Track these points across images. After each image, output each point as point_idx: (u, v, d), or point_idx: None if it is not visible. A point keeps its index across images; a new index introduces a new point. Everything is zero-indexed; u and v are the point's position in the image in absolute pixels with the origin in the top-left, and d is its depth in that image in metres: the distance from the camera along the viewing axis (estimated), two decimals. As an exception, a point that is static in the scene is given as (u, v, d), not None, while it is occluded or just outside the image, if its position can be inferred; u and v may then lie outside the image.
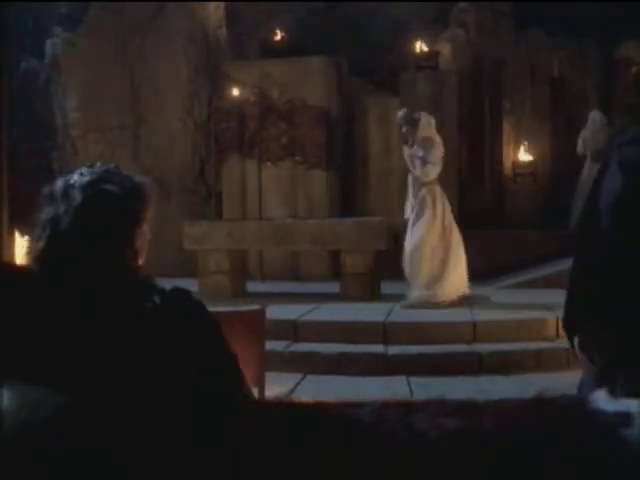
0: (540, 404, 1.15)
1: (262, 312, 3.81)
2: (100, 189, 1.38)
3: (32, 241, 1.40)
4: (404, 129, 6.08)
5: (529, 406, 1.17)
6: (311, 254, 7.50)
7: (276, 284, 6.82)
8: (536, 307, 5.34)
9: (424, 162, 5.92)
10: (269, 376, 3.97)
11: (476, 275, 7.50)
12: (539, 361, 4.76)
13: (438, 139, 6.05)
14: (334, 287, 6.54)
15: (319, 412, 1.25)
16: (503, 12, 9.34)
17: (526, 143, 9.17)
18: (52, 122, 7.71)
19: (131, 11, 7.77)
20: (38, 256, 1.36)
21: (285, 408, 1.31)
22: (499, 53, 9.19)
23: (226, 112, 7.79)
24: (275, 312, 4.84)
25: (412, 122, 6.00)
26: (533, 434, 1.10)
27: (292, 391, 4.13)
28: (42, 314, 1.35)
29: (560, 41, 8.84)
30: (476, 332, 5.08)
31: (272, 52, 8.88)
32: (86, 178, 1.39)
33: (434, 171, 5.95)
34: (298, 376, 4.47)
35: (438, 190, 5.98)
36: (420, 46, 9.14)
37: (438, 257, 5.89)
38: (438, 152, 5.97)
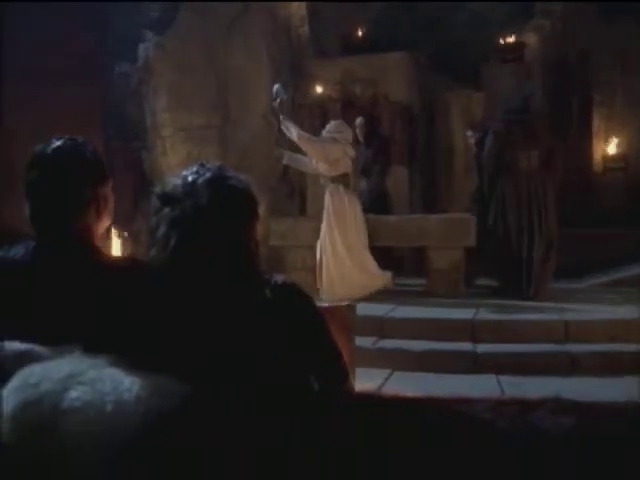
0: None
1: (353, 308, 3.83)
2: (226, 184, 1.41)
3: (158, 241, 1.42)
4: (280, 99, 5.74)
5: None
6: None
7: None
8: (629, 307, 5.13)
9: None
10: (357, 372, 3.99)
11: (564, 273, 7.29)
12: (636, 363, 4.56)
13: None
14: (416, 283, 6.51)
15: (433, 407, 1.25)
16: (591, 1, 8.99)
17: (617, 137, 8.81)
18: (143, 123, 8.00)
19: (216, 12, 7.94)
20: (171, 254, 1.38)
21: (397, 402, 1.32)
22: (587, 43, 8.85)
23: (308, 109, 7.86)
24: (361, 308, 4.86)
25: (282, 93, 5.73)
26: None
27: (381, 387, 4.13)
28: (170, 306, 1.41)
29: (654, 29, 8.43)
30: (568, 331, 4.94)
31: (353, 48, 8.90)
32: (208, 175, 1.41)
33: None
34: (386, 372, 4.45)
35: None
36: (505, 38, 8.95)
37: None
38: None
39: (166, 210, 1.40)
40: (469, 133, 7.18)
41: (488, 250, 6.15)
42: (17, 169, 1.67)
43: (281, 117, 5.76)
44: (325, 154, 5.68)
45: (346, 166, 5.78)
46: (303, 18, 8.69)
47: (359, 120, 7.20)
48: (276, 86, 5.90)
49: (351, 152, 5.87)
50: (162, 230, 1.39)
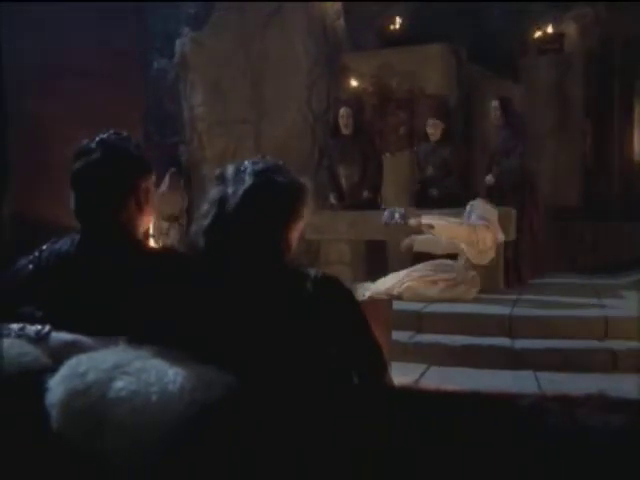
0: None
1: (389, 302, 3.83)
2: (270, 177, 1.45)
3: (199, 217, 1.48)
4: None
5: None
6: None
7: (396, 274, 6.78)
8: (674, 303, 5.00)
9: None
10: (393, 366, 3.98)
11: (605, 268, 7.15)
12: (680, 360, 4.45)
13: None
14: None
15: (477, 402, 1.24)
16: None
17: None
18: (180, 118, 8.09)
19: (252, 9, 7.97)
20: (203, 232, 1.45)
21: (439, 397, 1.31)
22: (632, 31, 8.62)
23: (344, 103, 7.82)
24: (397, 302, 4.85)
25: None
26: None
27: (417, 382, 4.11)
28: (208, 295, 1.43)
29: (702, 16, 8.17)
30: (608, 328, 4.84)
31: (390, 41, 8.81)
32: (258, 166, 1.47)
33: None
34: (422, 367, 4.42)
35: None
36: (543, 28, 8.78)
37: None
38: None
39: (214, 190, 1.47)
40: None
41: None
42: (59, 166, 1.71)
43: (413, 221, 5.69)
44: (476, 240, 5.42)
45: (491, 257, 5.55)
46: (339, 12, 8.65)
47: (342, 110, 7.01)
48: (386, 213, 5.92)
49: (502, 237, 5.60)
50: (205, 208, 1.47)
